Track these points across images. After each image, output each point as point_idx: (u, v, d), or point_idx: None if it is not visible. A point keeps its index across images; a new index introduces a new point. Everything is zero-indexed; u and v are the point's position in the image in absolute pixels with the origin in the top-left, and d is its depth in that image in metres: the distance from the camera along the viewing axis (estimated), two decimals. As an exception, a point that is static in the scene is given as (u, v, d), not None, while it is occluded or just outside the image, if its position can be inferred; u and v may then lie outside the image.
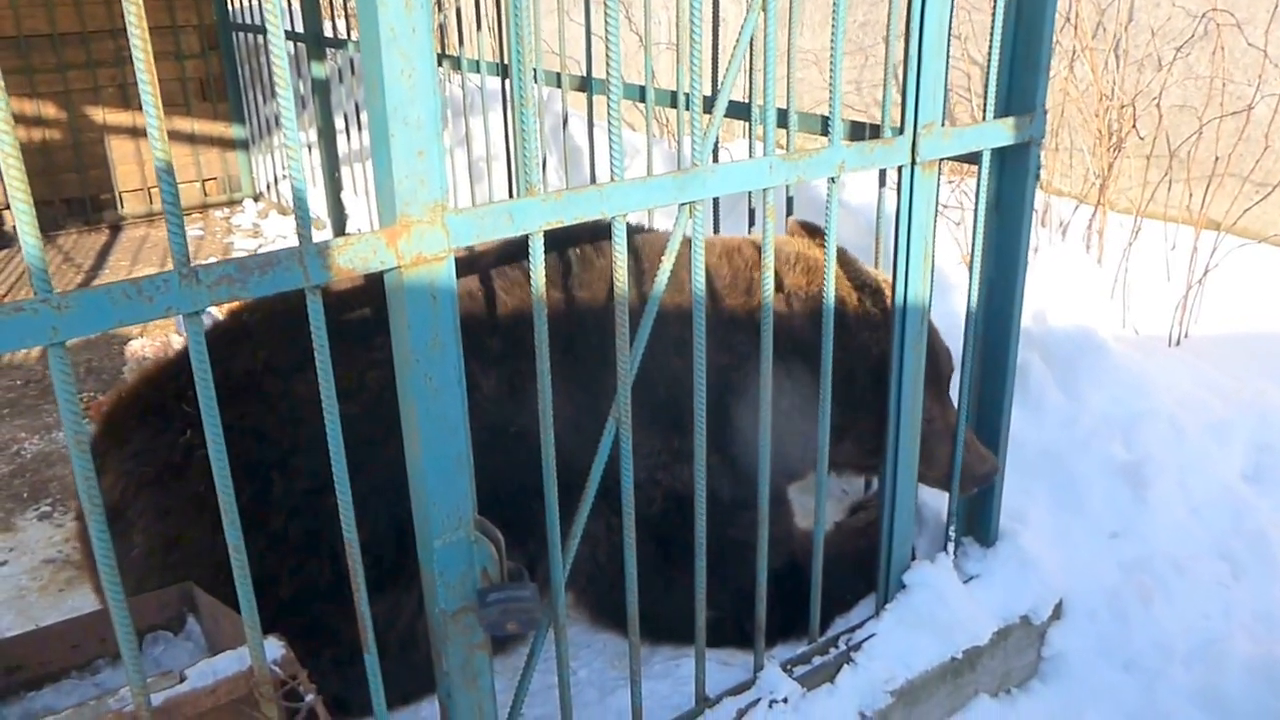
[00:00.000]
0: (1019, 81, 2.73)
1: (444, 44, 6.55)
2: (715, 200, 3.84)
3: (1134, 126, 5.03)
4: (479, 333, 2.76)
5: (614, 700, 2.84)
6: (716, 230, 3.88)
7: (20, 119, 7.39)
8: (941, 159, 2.62)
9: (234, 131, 8.30)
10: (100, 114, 7.73)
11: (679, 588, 2.76)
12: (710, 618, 2.60)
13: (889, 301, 3.02)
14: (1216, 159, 5.11)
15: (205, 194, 8.37)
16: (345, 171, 6.93)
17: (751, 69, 3.37)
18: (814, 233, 3.20)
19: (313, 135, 7.06)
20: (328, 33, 6.82)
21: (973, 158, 2.75)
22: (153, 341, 5.28)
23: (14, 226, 1.32)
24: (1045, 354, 3.88)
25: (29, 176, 1.40)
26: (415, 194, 1.73)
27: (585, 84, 4.32)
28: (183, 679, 1.95)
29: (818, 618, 2.90)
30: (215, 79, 8.17)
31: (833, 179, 2.43)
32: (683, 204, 2.17)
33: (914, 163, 2.55)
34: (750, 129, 3.30)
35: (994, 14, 2.62)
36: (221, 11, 7.96)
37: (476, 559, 2.03)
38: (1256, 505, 3.61)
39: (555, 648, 2.33)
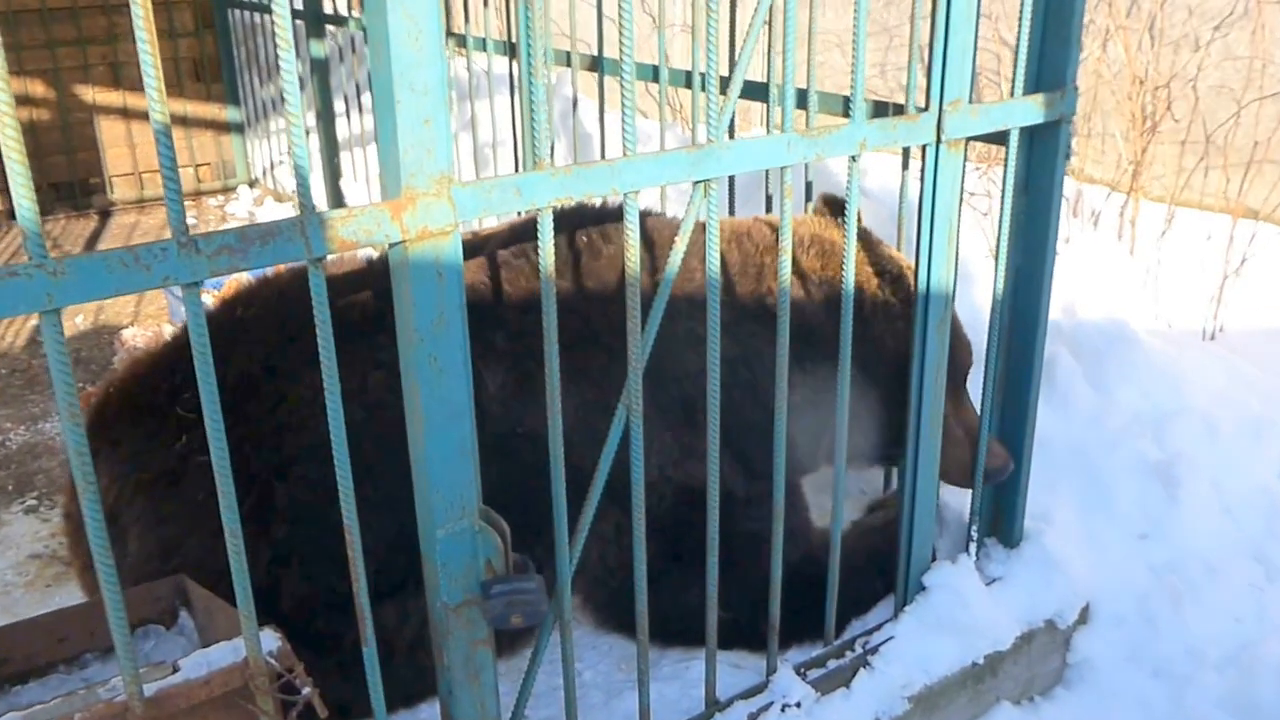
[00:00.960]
0: (1049, 56, 2.72)
1: (449, 21, 6.55)
2: (731, 184, 3.85)
3: (1169, 110, 5.01)
4: (483, 328, 2.76)
5: (621, 703, 2.84)
6: (731, 215, 3.88)
7: (7, 99, 7.42)
8: (968, 138, 2.61)
9: (228, 114, 8.32)
10: (90, 94, 7.76)
11: (689, 587, 2.77)
12: (722, 618, 2.60)
13: (911, 288, 3.02)
14: (1255, 144, 5.08)
15: (199, 180, 8.38)
16: (344, 157, 6.94)
17: (770, 49, 3.37)
18: (839, 209, 3.19)
19: (311, 119, 7.07)
20: (327, 9, 6.83)
21: (1000, 138, 2.74)
22: (145, 331, 5.30)
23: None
24: (1074, 347, 3.88)
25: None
26: (421, 164, 1.74)
27: (596, 64, 4.33)
28: (175, 670, 1.96)
29: (833, 619, 2.90)
30: (209, 59, 8.20)
31: (854, 157, 2.43)
32: (697, 182, 2.17)
33: (939, 141, 2.55)
34: (768, 111, 3.31)
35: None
36: (217, -12, 7.98)
37: (480, 549, 2.04)
38: (1295, 505, 3.60)
39: (560, 647, 2.34)
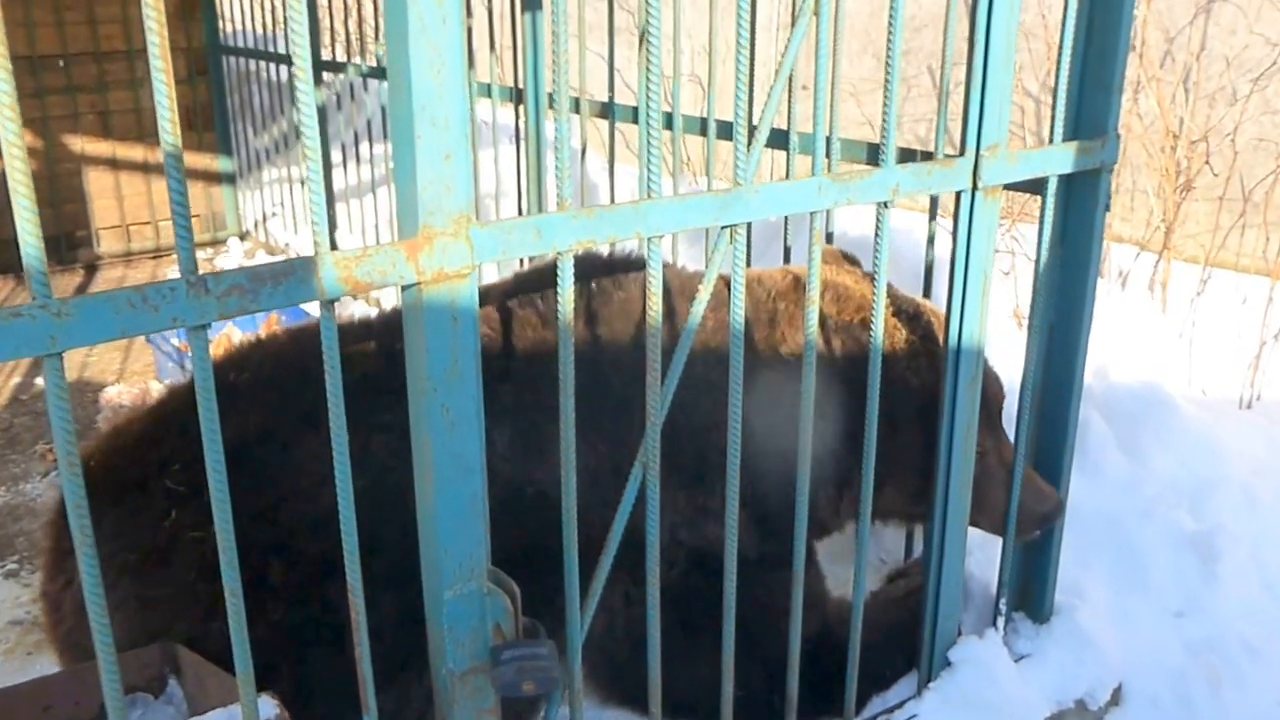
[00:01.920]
0: (1089, 102, 2.72)
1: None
2: (748, 232, 3.85)
3: (1208, 164, 5.00)
4: (489, 381, 2.74)
5: (630, 779, 2.80)
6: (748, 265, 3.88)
7: (-8, 146, 7.47)
8: (1005, 185, 2.61)
9: (220, 164, 8.36)
10: (79, 144, 7.79)
11: (701, 661, 2.73)
12: (736, 695, 2.56)
13: (931, 328, 3.03)
14: (1296, 202, 5.08)
15: (188, 232, 8.41)
16: (340, 209, 6.96)
17: (790, 96, 3.39)
18: (849, 260, 3.19)
19: (306, 168, 7.11)
20: (325, 55, 6.88)
21: (1036, 187, 2.74)
22: (130, 389, 5.28)
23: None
24: (1107, 412, 3.87)
25: (-1, 210, 1.41)
26: (440, 202, 1.73)
27: (606, 111, 4.34)
28: (166, 740, 1.92)
29: (854, 696, 2.85)
30: (202, 107, 8.24)
31: (885, 203, 2.42)
32: (724, 226, 2.16)
33: (975, 188, 2.55)
34: (789, 159, 3.32)
35: (1063, 27, 2.62)
36: (211, 34, 8.04)
37: (489, 613, 2.00)
38: (1339, 582, 3.56)
39: (570, 718, 2.29)
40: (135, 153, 7.90)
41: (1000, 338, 4.06)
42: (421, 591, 2.01)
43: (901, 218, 4.82)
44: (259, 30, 7.68)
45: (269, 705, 1.97)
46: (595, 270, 3.00)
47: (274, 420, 2.65)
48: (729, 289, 2.29)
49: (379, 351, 2.73)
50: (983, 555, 3.34)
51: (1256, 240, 5.18)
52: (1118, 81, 2.69)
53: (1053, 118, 2.69)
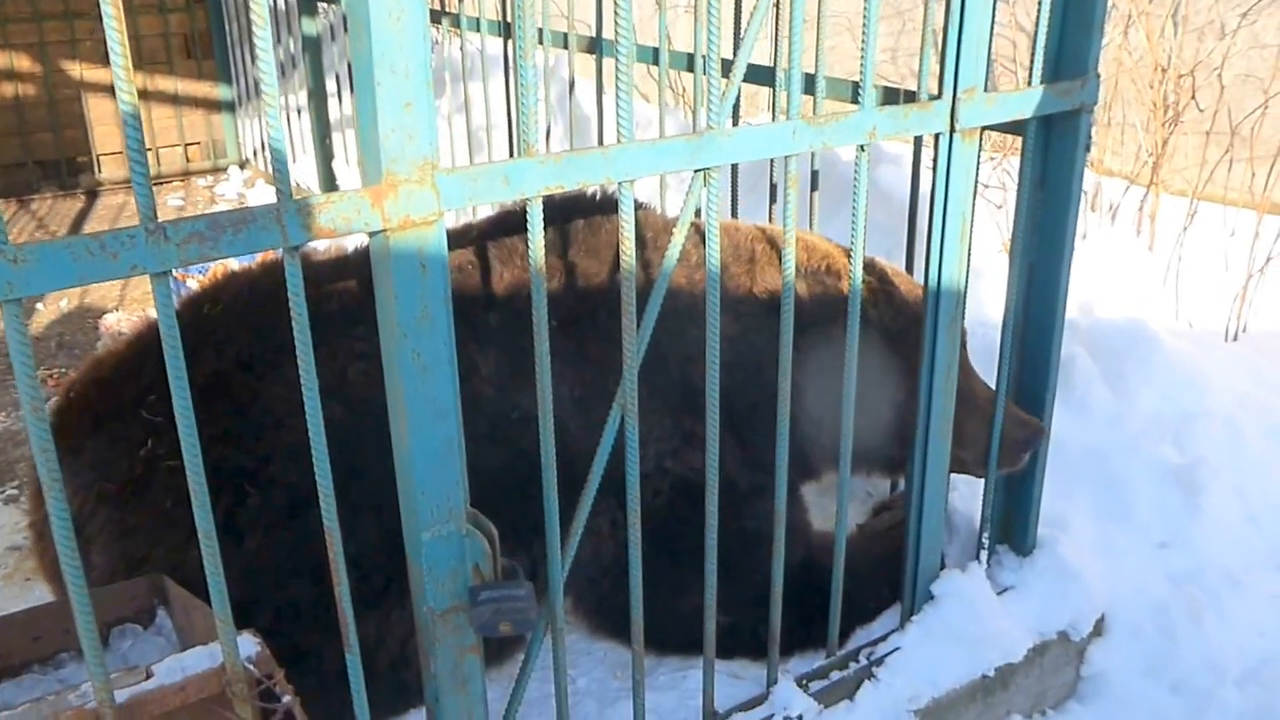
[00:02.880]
0: (1069, 42, 2.67)
1: (443, 1, 6.52)
2: (734, 174, 3.82)
3: (1193, 99, 4.96)
4: (474, 308, 2.73)
5: (614, 713, 2.82)
6: (734, 208, 3.85)
7: (-8, 72, 7.41)
8: (983, 127, 2.58)
9: (220, 92, 8.29)
10: (77, 69, 7.73)
11: (687, 592, 2.74)
12: (722, 624, 2.57)
13: (886, 273, 3.08)
14: (1283, 136, 5.04)
15: (187, 159, 8.36)
16: (337, 138, 6.91)
17: (778, 32, 3.33)
18: None
19: (303, 98, 7.03)
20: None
21: (1017, 128, 2.70)
22: (129, 316, 5.29)
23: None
24: (1091, 347, 3.85)
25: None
26: (402, 150, 1.70)
27: (594, 45, 4.29)
28: (149, 675, 1.92)
29: (837, 628, 2.87)
30: (201, 34, 8.16)
31: (863, 146, 2.39)
32: (697, 170, 2.13)
33: (953, 130, 2.51)
34: (774, 97, 3.27)
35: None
36: (210, -39, 7.95)
37: (468, 554, 2.01)
38: (1321, 514, 3.57)
39: (552, 653, 2.31)
40: (134, 80, 7.83)
41: (991, 271, 4.04)
42: (399, 521, 2.01)
43: (899, 149, 4.79)
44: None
45: (249, 643, 1.97)
46: (586, 208, 2.99)
47: (250, 350, 2.65)
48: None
49: (357, 282, 2.72)
50: (967, 489, 3.35)
51: (1244, 174, 5.14)
52: (1098, 21, 2.63)
53: (1032, 59, 2.65)
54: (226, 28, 8.02)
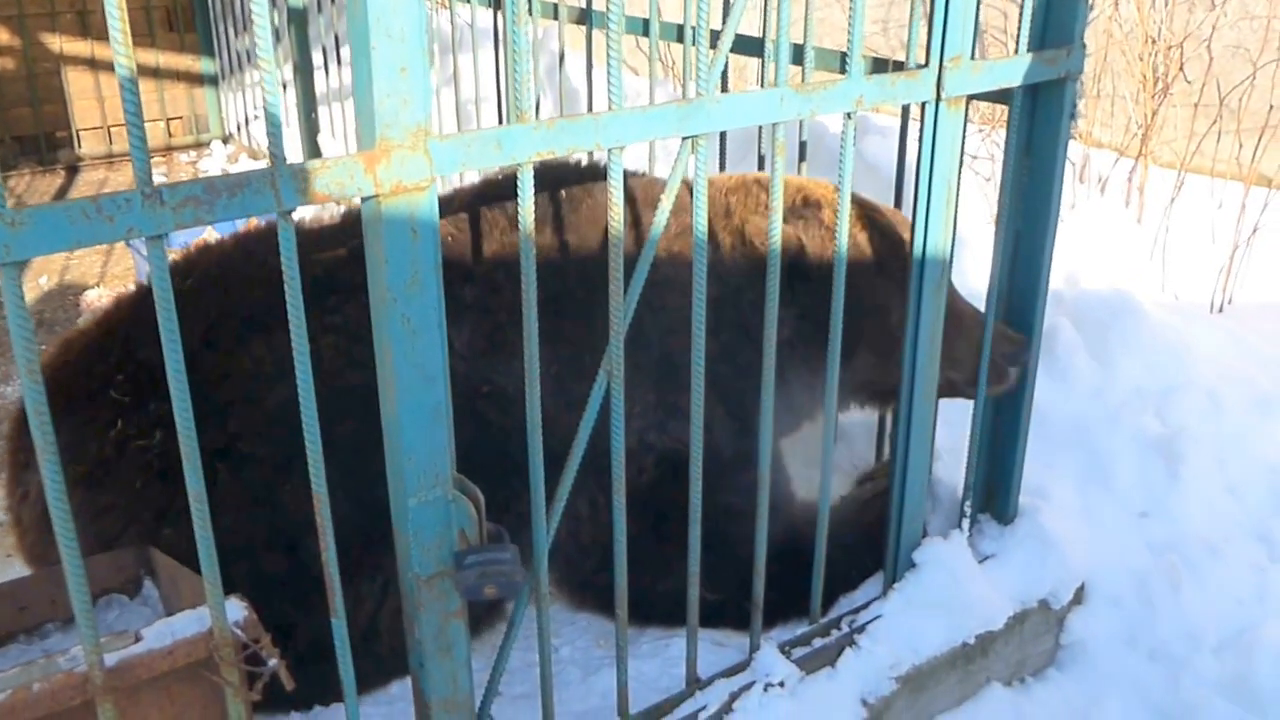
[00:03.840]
0: (1056, 12, 2.70)
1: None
2: (722, 143, 3.83)
3: (1181, 71, 4.97)
4: (450, 282, 2.74)
5: (599, 680, 2.85)
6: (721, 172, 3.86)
7: (-31, 46, 7.36)
8: (969, 95, 2.60)
9: (202, 66, 8.24)
10: (57, 43, 7.68)
11: (671, 569, 2.77)
12: (704, 599, 2.60)
13: (862, 207, 3.09)
14: (1271, 108, 5.03)
15: (170, 134, 8.31)
16: (322, 112, 6.89)
17: (767, 3, 3.35)
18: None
19: (288, 72, 7.01)
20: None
21: (1004, 97, 2.73)
22: (111, 292, 5.28)
23: None
24: (1076, 318, 3.87)
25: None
26: (397, 115, 1.72)
27: (584, 17, 4.30)
28: (138, 639, 1.95)
29: (819, 596, 2.90)
30: (183, 7, 8.11)
31: (849, 114, 2.41)
32: (685, 137, 2.15)
33: (939, 99, 2.53)
34: (763, 68, 3.29)
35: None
36: (191, -67, 7.90)
37: (454, 519, 2.03)
38: (1300, 484, 3.60)
39: (537, 621, 2.34)
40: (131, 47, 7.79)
41: (978, 242, 4.05)
42: (371, 493, 2.03)
43: (886, 121, 4.79)
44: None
45: (237, 607, 2.00)
46: (569, 177, 3.00)
47: (219, 326, 2.66)
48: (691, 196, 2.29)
49: (327, 254, 2.73)
50: (950, 459, 3.37)
51: (1231, 146, 5.15)
52: None
53: (1019, 28, 2.67)
54: (209, 1, 7.98)
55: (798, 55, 2.63)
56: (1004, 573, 3.11)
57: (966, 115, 2.63)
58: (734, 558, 2.85)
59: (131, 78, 1.51)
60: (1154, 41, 5.00)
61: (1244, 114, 5.10)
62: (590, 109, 4.48)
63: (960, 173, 2.68)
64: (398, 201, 1.78)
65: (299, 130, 6.92)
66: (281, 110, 1.66)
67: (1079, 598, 3.23)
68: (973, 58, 2.56)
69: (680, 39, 3.82)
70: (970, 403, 3.06)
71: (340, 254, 2.72)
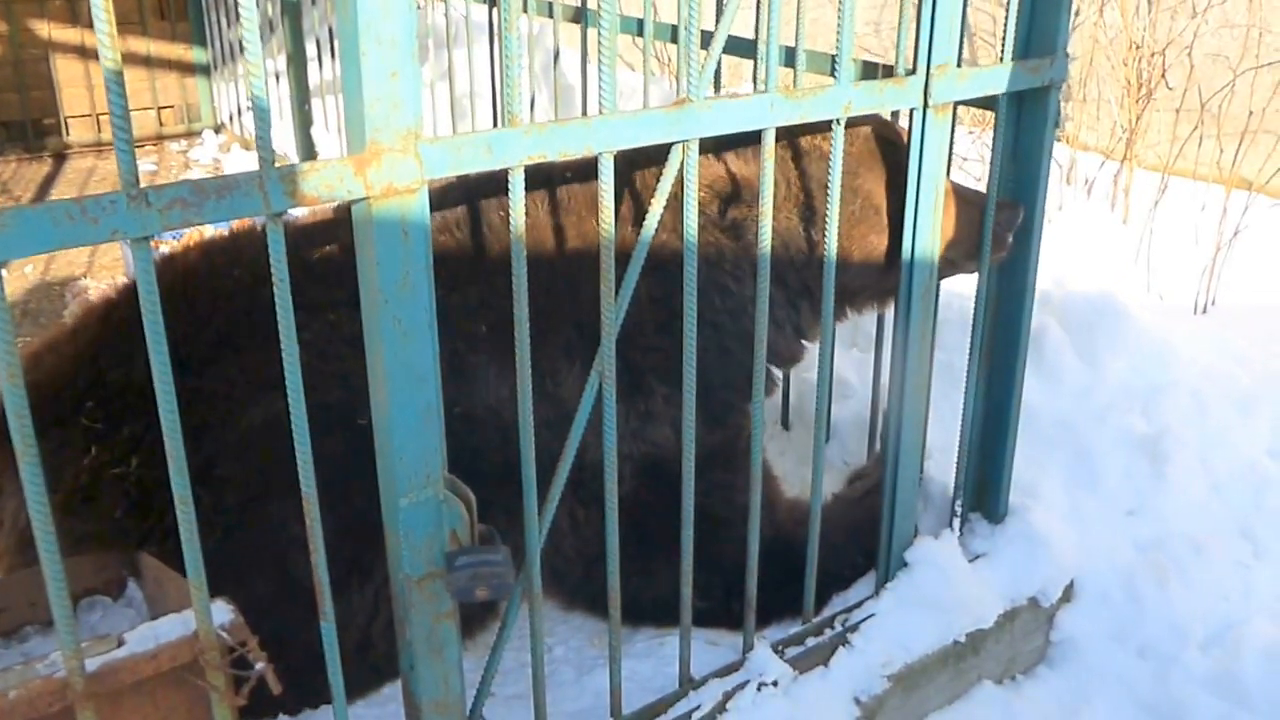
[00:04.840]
0: (1040, 21, 2.72)
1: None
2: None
3: (1163, 77, 5.00)
4: None
5: (592, 680, 2.82)
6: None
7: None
8: (956, 102, 2.61)
9: (194, 55, 8.17)
10: (45, 29, 7.59)
11: (658, 574, 2.75)
12: (698, 607, 2.57)
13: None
14: (1250, 113, 5.08)
15: (160, 123, 8.24)
16: (316, 104, 6.83)
17: (759, 3, 3.32)
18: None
19: (281, 63, 6.95)
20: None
21: (990, 103, 2.74)
22: (98, 283, 5.23)
23: None
24: (1063, 319, 3.89)
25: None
26: (387, 119, 1.70)
27: (580, 15, 4.27)
28: (121, 643, 1.91)
29: (812, 596, 2.87)
30: (175, -5, 8.04)
31: (837, 120, 2.41)
32: (675, 142, 2.14)
33: (926, 105, 2.54)
34: (756, 68, 3.26)
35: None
36: (183, -78, 7.83)
37: (445, 519, 2.01)
38: (1280, 482, 3.62)
39: (529, 621, 2.31)
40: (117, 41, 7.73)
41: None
42: (351, 508, 1.99)
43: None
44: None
45: (223, 610, 1.97)
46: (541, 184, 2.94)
47: (188, 344, 2.53)
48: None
49: (297, 263, 2.65)
50: (942, 457, 3.35)
51: (1213, 150, 5.19)
52: (1067, 1, 2.68)
53: (1004, 36, 2.69)
54: (201, -10, 7.92)
55: (789, 57, 2.63)
56: (994, 571, 3.10)
57: (954, 121, 2.66)
58: (719, 561, 2.83)
59: (118, 76, 1.47)
60: (1138, 47, 5.02)
61: (1224, 119, 5.15)
62: (585, 106, 4.45)
63: (947, 176, 2.68)
64: (388, 204, 1.75)
65: (292, 123, 6.86)
66: (274, 105, 1.62)
67: (1068, 595, 3.22)
68: (959, 65, 2.57)
69: (674, 39, 3.79)
70: (961, 402, 3.04)
71: (302, 265, 2.62)
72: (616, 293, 2.18)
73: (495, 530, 2.04)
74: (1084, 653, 3.19)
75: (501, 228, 2.80)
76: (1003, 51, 2.70)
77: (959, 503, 3.13)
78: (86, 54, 7.72)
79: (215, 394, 2.53)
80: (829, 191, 2.51)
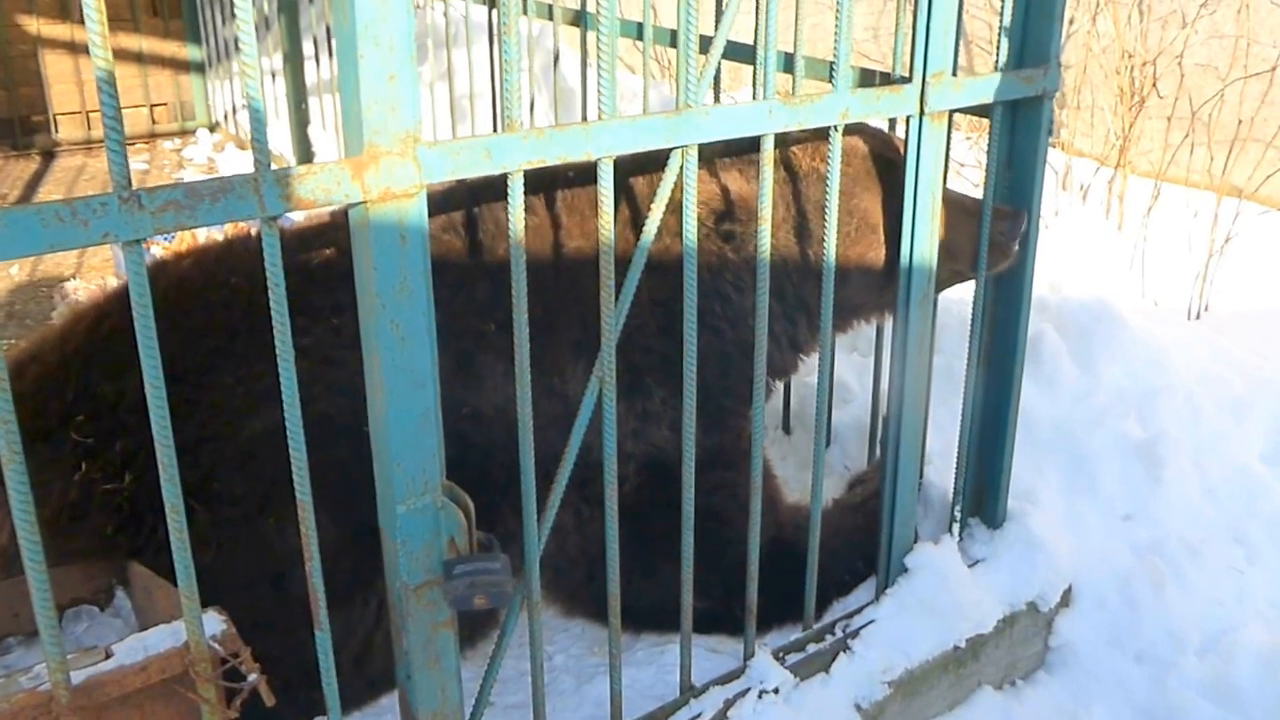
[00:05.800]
0: (1032, 32, 2.73)
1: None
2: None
3: (1154, 86, 5.02)
4: None
5: (592, 689, 2.78)
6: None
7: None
8: (951, 110, 2.62)
9: (188, 53, 8.10)
10: (35, 25, 7.51)
11: (660, 575, 2.72)
12: (698, 608, 2.55)
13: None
14: (1240, 122, 5.12)
15: (154, 121, 8.15)
16: (313, 103, 6.77)
17: (758, 8, 3.29)
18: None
19: (278, 61, 6.89)
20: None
21: (985, 111, 2.75)
22: (87, 284, 5.16)
23: None
24: (1059, 325, 3.89)
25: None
26: (385, 122, 1.67)
27: (580, 18, 4.23)
28: (109, 655, 1.85)
29: (813, 602, 2.84)
30: (168, -9, 7.97)
31: (835, 127, 2.42)
32: (674, 148, 2.13)
33: (922, 113, 2.55)
34: (755, 75, 3.23)
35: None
36: (178, -81, 7.76)
37: (443, 527, 1.97)
38: (1274, 487, 3.63)
39: (529, 629, 2.27)
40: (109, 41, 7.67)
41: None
42: (357, 519, 1.95)
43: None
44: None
45: (214, 620, 1.92)
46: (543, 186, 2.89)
47: (183, 355, 2.45)
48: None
49: (292, 269, 2.59)
50: (941, 463, 3.34)
51: (1204, 158, 5.24)
52: (1059, 12, 2.70)
53: (997, 46, 2.72)
54: (196, -13, 7.85)
55: (788, 64, 2.62)
56: (994, 576, 3.08)
57: (950, 128, 2.66)
58: (720, 564, 2.80)
59: (109, 77, 1.43)
60: (1130, 56, 5.04)
61: (1215, 127, 5.19)
62: (585, 109, 4.41)
63: (944, 182, 2.69)
64: (386, 208, 1.72)
65: (288, 121, 6.80)
66: (270, 103, 1.58)
67: (1066, 600, 3.20)
68: (955, 73, 2.57)
69: (674, 44, 3.75)
70: (959, 408, 3.03)
71: (299, 270, 2.57)
72: (616, 296, 2.15)
73: (494, 538, 2.01)
74: (1082, 658, 3.17)
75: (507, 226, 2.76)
76: (996, 61, 2.72)
77: (958, 508, 3.12)
78: (76, 50, 7.62)
79: (212, 405, 2.47)
80: (825, 210, 2.51)
